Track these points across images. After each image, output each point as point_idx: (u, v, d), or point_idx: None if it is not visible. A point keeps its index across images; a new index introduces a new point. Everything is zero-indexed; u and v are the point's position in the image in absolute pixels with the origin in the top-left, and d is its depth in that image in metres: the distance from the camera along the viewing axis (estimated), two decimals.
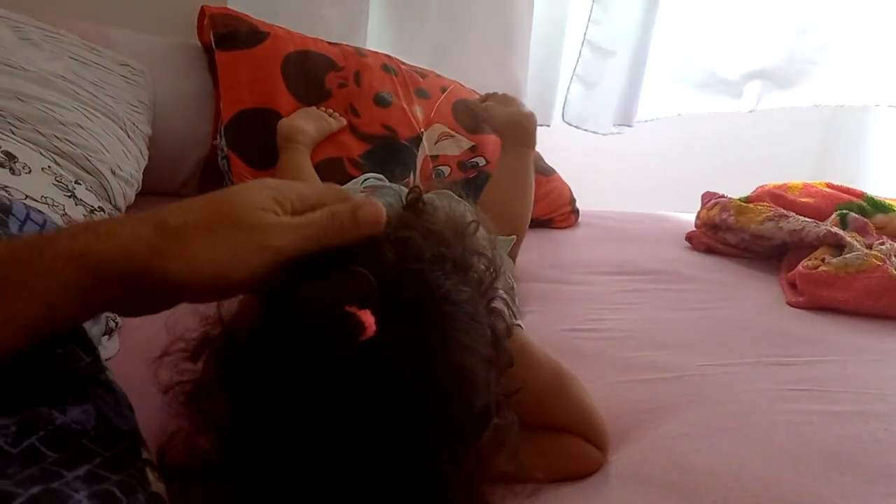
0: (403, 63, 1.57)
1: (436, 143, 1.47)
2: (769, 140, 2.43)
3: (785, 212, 1.45)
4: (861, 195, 1.54)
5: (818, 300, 1.18)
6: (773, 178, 1.67)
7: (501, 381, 0.47)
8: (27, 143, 0.91)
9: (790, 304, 1.20)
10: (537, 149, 1.66)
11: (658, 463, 0.67)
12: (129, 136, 1.15)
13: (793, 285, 1.26)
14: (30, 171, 0.85)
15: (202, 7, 1.46)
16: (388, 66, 1.51)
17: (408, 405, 0.40)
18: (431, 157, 1.45)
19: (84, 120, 1.04)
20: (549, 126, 2.02)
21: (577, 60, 1.99)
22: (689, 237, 1.56)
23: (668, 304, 1.14)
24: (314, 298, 0.40)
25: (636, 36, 1.99)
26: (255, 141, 1.34)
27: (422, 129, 1.46)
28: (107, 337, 0.75)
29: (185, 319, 0.46)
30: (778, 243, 1.42)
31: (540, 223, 1.56)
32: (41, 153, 0.91)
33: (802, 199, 1.54)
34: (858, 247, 1.28)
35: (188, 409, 0.45)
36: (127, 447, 0.40)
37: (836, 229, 1.35)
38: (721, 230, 1.50)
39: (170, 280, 0.38)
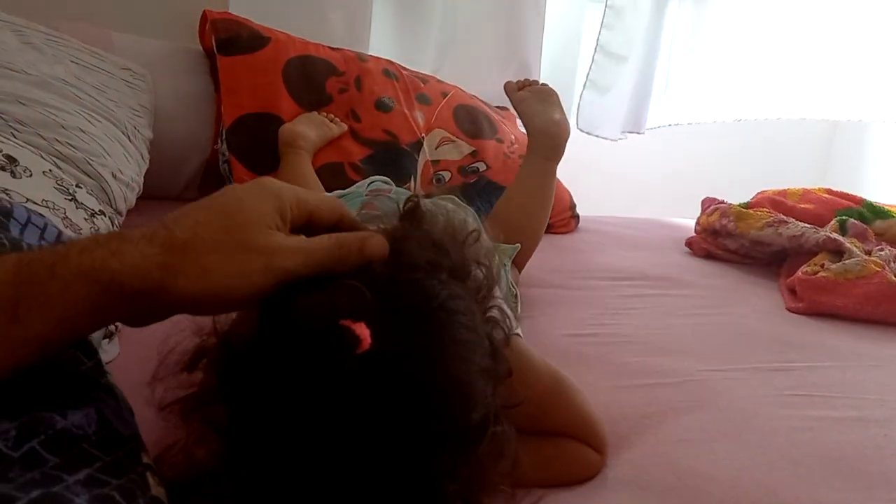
0: (404, 68, 1.57)
1: (436, 147, 1.47)
2: (770, 147, 2.44)
3: (785, 218, 1.45)
4: (860, 201, 1.54)
5: (817, 306, 1.19)
6: (773, 185, 1.67)
7: (500, 390, 0.47)
8: (28, 146, 0.91)
9: (790, 310, 1.21)
10: None
11: (658, 468, 0.67)
12: (130, 140, 1.15)
13: (792, 291, 1.26)
14: (31, 175, 0.85)
15: (204, 12, 1.46)
16: (390, 72, 1.52)
17: (405, 416, 0.40)
18: (432, 161, 1.46)
19: (85, 124, 1.04)
20: None
21: (591, 66, 1.98)
22: (689, 243, 1.56)
23: (668, 310, 1.14)
24: (310, 312, 0.41)
25: (646, 42, 1.99)
26: (256, 145, 1.34)
27: (422, 134, 1.47)
28: (107, 340, 0.75)
29: (178, 334, 0.46)
30: (777, 249, 1.42)
31: None
32: (42, 157, 0.91)
33: (802, 206, 1.55)
34: (858, 253, 1.28)
35: (185, 422, 0.46)
36: (128, 452, 0.40)
37: (835, 235, 1.35)
38: (721, 236, 1.50)
39: (177, 296, 0.39)
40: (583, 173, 1.84)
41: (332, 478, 0.40)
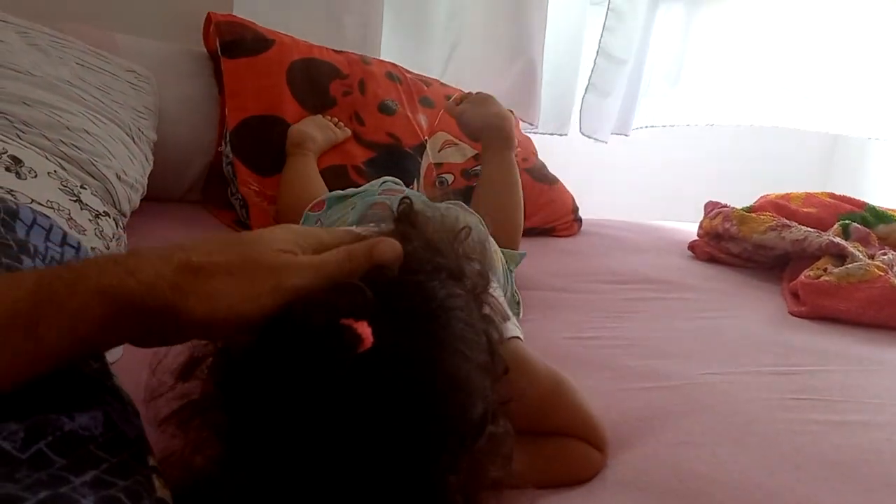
0: (408, 71, 1.57)
1: (439, 150, 1.48)
2: (772, 151, 2.44)
3: (787, 222, 1.45)
4: (863, 205, 1.54)
5: (820, 310, 1.19)
6: (776, 189, 1.67)
7: (497, 388, 0.47)
8: (33, 147, 0.92)
9: (792, 314, 1.21)
10: (541, 157, 1.67)
11: (659, 470, 0.67)
12: (134, 142, 1.15)
13: (795, 295, 1.26)
14: (36, 176, 0.85)
15: (208, 14, 1.47)
16: (393, 75, 1.52)
17: (406, 415, 0.41)
18: (435, 164, 1.46)
19: (90, 125, 1.05)
20: (565, 135, 2.02)
21: (592, 69, 1.97)
22: (692, 246, 1.56)
23: (670, 313, 1.14)
24: (311, 312, 0.41)
25: (638, 44, 2.00)
26: (260, 147, 1.34)
27: (426, 137, 1.47)
28: None
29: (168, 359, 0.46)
30: (780, 253, 1.42)
31: (542, 232, 1.56)
32: (47, 158, 0.92)
33: (805, 210, 1.55)
34: (860, 257, 1.28)
35: (182, 430, 0.46)
36: (133, 454, 0.40)
37: (838, 239, 1.35)
38: (723, 240, 1.50)
39: (187, 318, 0.39)
40: (585, 177, 1.84)
41: (335, 475, 0.41)
